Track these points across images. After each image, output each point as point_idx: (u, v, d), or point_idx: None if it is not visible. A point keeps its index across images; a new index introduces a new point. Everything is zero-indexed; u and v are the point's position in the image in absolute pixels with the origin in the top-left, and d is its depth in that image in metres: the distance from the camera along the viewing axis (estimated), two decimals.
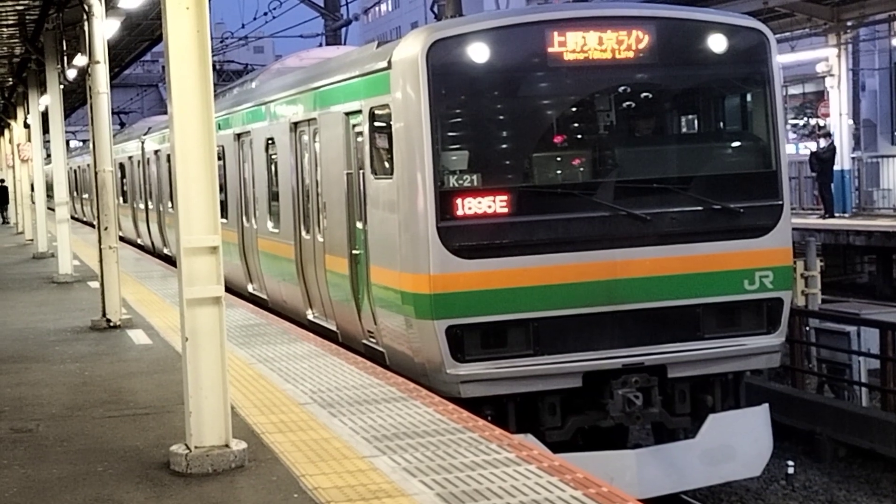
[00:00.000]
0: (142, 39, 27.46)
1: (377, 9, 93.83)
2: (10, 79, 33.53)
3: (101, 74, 15.10)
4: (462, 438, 7.90)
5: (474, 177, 10.64)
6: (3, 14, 22.40)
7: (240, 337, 12.90)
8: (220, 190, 18.21)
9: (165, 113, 8.60)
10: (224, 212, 18.28)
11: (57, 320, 15.56)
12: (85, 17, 15.37)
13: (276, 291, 15.94)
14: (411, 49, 10.73)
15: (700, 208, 11.09)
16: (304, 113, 14.17)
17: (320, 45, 33.13)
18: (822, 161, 27.72)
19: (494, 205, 10.49)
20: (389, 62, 11.05)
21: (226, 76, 42.05)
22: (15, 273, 23.61)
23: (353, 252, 12.33)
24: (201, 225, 7.43)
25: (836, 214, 28.00)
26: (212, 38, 7.63)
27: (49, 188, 31.69)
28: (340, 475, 7.12)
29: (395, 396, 9.41)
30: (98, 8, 15.15)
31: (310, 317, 14.28)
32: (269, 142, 15.96)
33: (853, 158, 30.69)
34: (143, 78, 74.90)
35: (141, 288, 18.85)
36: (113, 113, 26.02)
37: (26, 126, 32.40)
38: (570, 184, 11.10)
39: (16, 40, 25.50)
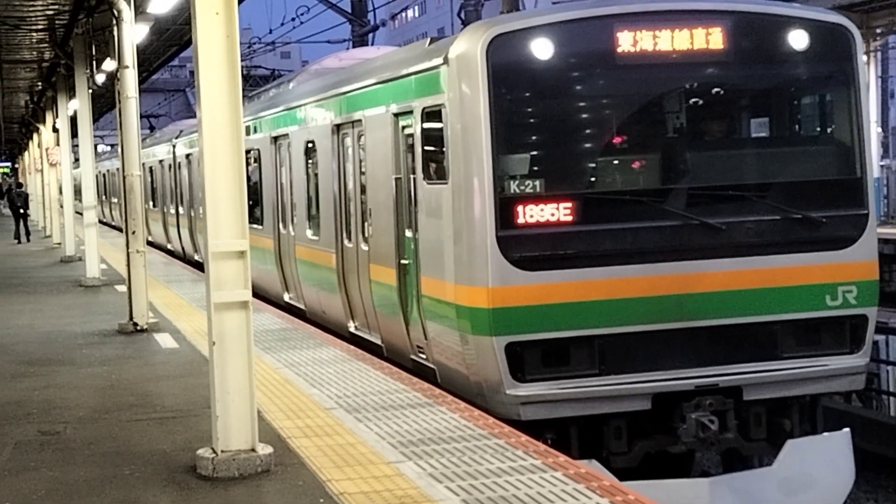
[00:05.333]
0: (170, 44, 27.59)
1: (404, 14, 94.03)
2: (40, 83, 33.77)
3: (130, 79, 15.17)
4: (488, 444, 7.88)
5: (536, 182, 9.94)
6: (33, 19, 22.55)
7: (266, 341, 12.92)
8: (256, 195, 18.14)
9: (193, 117, 8.64)
10: (259, 218, 17.97)
11: (84, 324, 15.63)
12: (114, 21, 15.46)
13: (314, 301, 15.38)
14: (469, 44, 10.02)
15: (779, 217, 10.31)
16: (348, 114, 13.49)
17: (347, 49, 33.20)
18: None
19: (558, 212, 9.80)
20: (446, 58, 10.30)
21: (253, 81, 42.20)
22: (43, 276, 23.75)
23: (402, 262, 11.63)
24: (229, 229, 7.45)
25: None
26: (240, 44, 7.63)
27: (77, 192, 31.85)
28: (366, 480, 7.12)
29: (420, 402, 9.40)
30: (127, 13, 15.23)
31: (351, 329, 13.67)
32: (309, 145, 15.39)
33: (882, 166, 30.50)
34: (171, 83, 75.34)
35: (168, 292, 18.92)
36: (142, 116, 26.11)
37: (55, 130, 32.60)
38: (638, 190, 10.32)
39: (45, 45, 25.67)
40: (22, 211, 37.80)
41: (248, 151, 18.49)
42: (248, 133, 18.84)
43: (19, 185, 45.48)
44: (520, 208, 9.77)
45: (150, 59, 29.21)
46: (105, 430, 9.04)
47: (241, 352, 7.49)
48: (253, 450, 7.49)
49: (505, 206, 9.76)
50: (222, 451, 7.44)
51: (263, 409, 9.10)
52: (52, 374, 11.76)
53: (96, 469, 7.81)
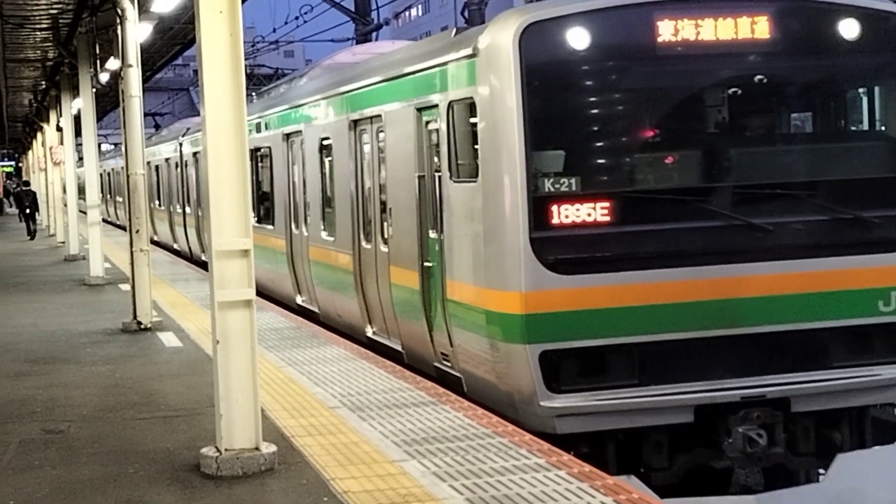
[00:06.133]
0: (174, 43, 27.61)
1: (407, 13, 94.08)
2: (43, 82, 33.79)
3: (134, 78, 15.20)
4: (492, 443, 7.89)
5: (572, 180, 9.32)
6: (37, 17, 22.57)
7: (270, 340, 12.92)
8: (267, 194, 18.00)
9: (197, 116, 8.66)
10: (271, 217, 17.74)
11: (88, 322, 15.65)
12: (118, 20, 15.48)
13: (328, 304, 14.88)
14: (501, 34, 9.44)
15: (829, 218, 9.77)
16: (367, 109, 12.97)
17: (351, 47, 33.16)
18: None
19: (595, 212, 9.21)
20: (475, 49, 9.75)
21: (256, 80, 42.17)
22: (46, 275, 23.76)
23: (425, 264, 11.09)
24: (233, 228, 7.47)
25: None
26: (243, 43, 7.63)
27: (81, 191, 31.77)
28: (370, 479, 7.12)
29: (424, 401, 9.41)
30: (131, 12, 15.26)
31: (369, 333, 13.16)
32: (324, 141, 14.83)
33: None
34: (174, 82, 75.44)
35: (172, 291, 18.93)
36: (146, 115, 26.09)
37: (59, 129, 32.64)
38: (680, 189, 9.75)
39: (49, 44, 25.70)
40: (28, 211, 37.91)
41: (258, 149, 18.39)
42: (258, 130, 18.61)
43: (27, 184, 45.59)
44: (554, 208, 9.20)
45: (153, 57, 29.21)
46: (109, 428, 9.06)
47: (244, 350, 7.50)
48: (257, 448, 7.50)
49: (539, 206, 9.19)
50: (226, 450, 7.45)
51: (267, 407, 9.10)
52: (56, 372, 11.77)
53: (100, 467, 7.82)
